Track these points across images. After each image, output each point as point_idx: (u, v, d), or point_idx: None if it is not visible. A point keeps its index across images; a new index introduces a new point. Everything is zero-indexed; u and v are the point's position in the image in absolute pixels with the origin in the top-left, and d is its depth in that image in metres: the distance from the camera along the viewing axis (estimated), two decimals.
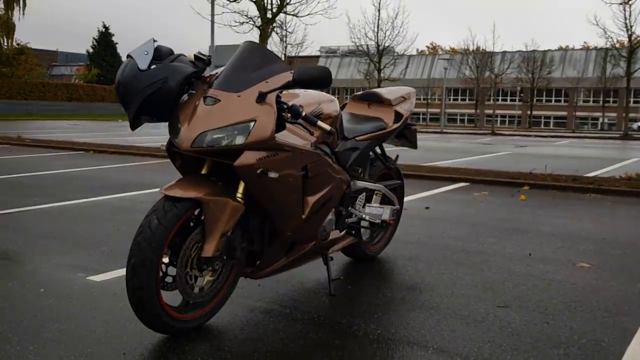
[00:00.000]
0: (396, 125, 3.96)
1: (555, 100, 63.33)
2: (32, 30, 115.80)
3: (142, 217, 2.62)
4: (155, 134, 19.58)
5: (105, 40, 65.91)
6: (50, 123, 28.77)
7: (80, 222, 5.30)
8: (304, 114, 2.79)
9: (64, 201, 6.35)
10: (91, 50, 66.21)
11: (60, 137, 17.10)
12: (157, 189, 7.10)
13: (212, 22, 16.18)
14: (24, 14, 45.62)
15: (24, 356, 2.51)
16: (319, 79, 2.71)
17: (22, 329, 2.81)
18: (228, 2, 17.96)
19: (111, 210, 5.88)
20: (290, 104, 2.80)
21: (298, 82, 2.72)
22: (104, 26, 66.07)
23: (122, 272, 3.62)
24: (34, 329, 2.81)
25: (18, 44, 47.21)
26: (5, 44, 44.56)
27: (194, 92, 2.81)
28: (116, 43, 67.17)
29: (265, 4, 18.16)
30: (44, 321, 2.91)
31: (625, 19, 32.22)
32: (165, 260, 2.67)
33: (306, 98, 3.13)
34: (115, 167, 10.04)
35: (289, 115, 2.78)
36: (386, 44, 37.87)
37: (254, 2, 18.04)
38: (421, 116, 65.57)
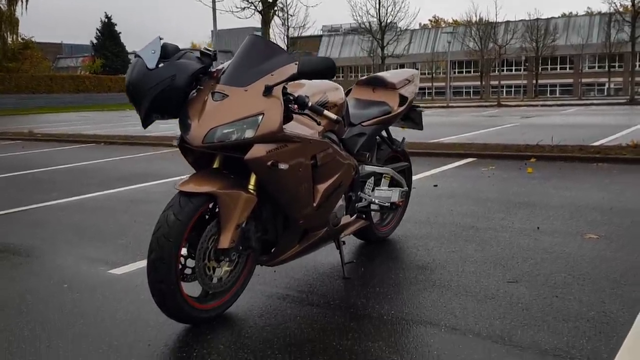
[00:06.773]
0: (401, 109, 4.02)
1: (561, 68, 62.91)
2: (35, 24, 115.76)
3: (157, 208, 2.71)
4: (162, 122, 19.65)
5: (108, 31, 65.86)
6: (59, 116, 28.94)
7: (96, 216, 5.41)
8: (310, 104, 2.86)
9: (79, 195, 6.47)
10: (95, 41, 66.16)
11: (70, 130, 17.23)
12: (171, 179, 7.23)
13: (214, 8, 16.18)
14: (26, 8, 45.75)
15: (54, 351, 2.62)
16: (323, 70, 2.77)
17: (50, 324, 2.92)
18: None
19: (126, 203, 5.99)
20: (296, 95, 2.87)
21: (302, 74, 2.77)
22: (107, 16, 65.93)
23: (143, 264, 3.75)
24: (62, 324, 2.92)
25: (22, 39, 47.39)
26: (10, 39, 44.72)
27: (201, 87, 2.88)
28: (119, 32, 67.11)
29: None
30: (69, 316, 3.02)
31: None
32: (184, 252, 2.77)
33: (312, 88, 3.18)
34: (127, 157, 10.17)
35: (296, 106, 2.85)
36: (388, 20, 37.56)
37: None
38: (427, 91, 65.37)
